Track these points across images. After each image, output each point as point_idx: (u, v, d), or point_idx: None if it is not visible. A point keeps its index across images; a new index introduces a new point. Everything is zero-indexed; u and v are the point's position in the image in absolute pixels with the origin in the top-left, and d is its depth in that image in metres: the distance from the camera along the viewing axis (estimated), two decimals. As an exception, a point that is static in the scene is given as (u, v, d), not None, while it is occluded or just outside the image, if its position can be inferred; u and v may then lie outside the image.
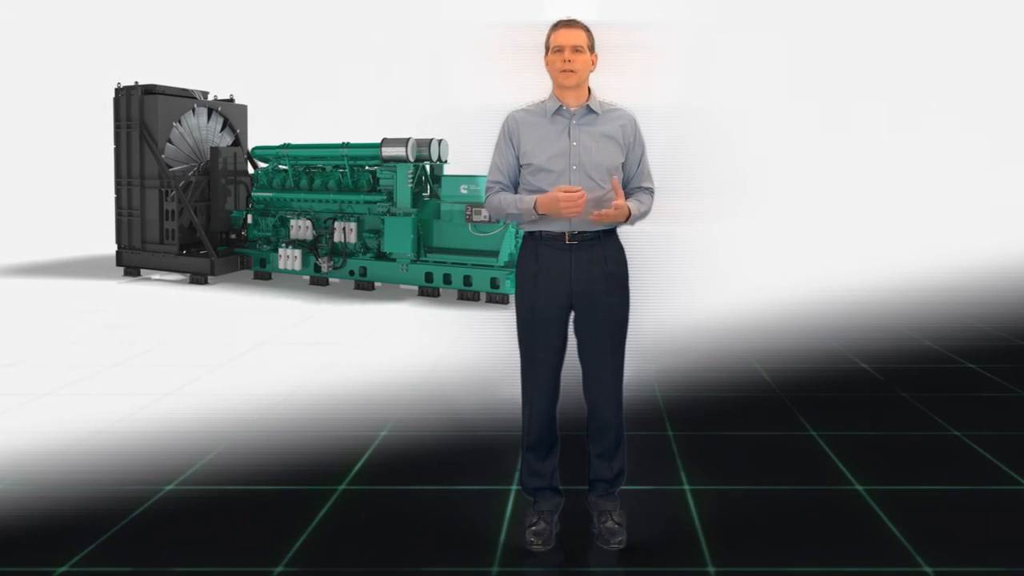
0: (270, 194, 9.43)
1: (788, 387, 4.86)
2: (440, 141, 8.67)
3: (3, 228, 12.88)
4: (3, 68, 14.80)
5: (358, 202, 8.82)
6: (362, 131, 9.20)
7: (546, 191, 2.80)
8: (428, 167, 8.73)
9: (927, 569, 2.74)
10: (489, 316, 7.27)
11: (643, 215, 2.92)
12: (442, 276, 8.19)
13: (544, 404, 2.93)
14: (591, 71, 2.86)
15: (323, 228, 8.99)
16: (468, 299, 8.02)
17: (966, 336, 6.30)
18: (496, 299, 7.84)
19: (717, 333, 6.36)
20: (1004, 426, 4.18)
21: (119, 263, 9.86)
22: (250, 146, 10.24)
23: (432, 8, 13.89)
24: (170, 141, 9.72)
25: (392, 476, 3.55)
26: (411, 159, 8.47)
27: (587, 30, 2.84)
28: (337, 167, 9.09)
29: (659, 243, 6.78)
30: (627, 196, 2.92)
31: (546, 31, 2.87)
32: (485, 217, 7.85)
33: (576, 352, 2.94)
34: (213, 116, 10.31)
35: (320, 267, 8.95)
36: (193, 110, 10.02)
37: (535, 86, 3.06)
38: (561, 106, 2.85)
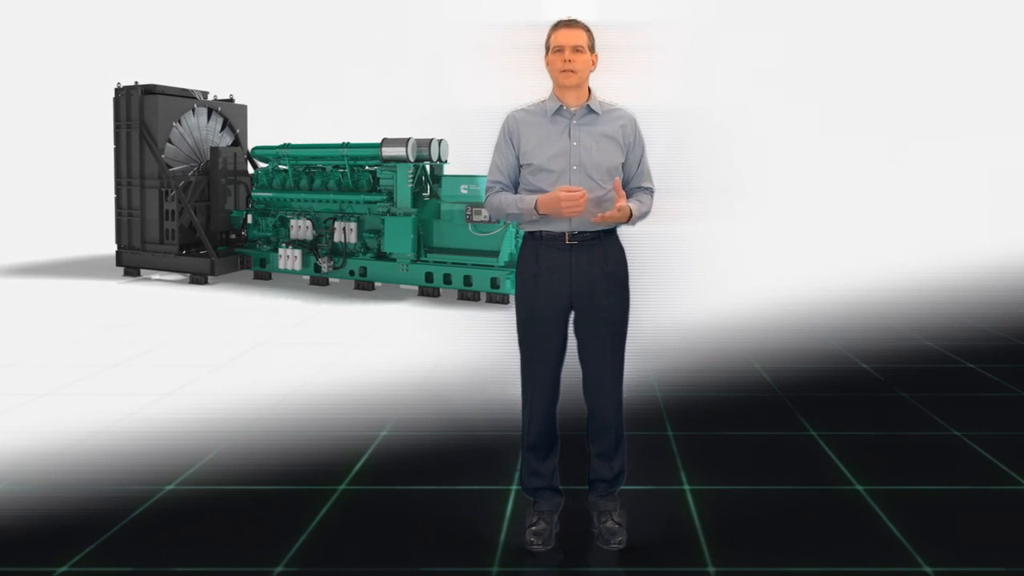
0: (270, 194, 9.43)
1: (788, 387, 4.86)
2: (440, 141, 8.67)
3: (3, 228, 12.87)
4: (3, 68, 14.80)
5: (358, 202, 8.82)
6: (362, 131, 9.20)
7: (546, 191, 2.80)
8: (428, 167, 8.73)
9: (927, 569, 2.74)
10: (489, 316, 7.27)
11: (644, 215, 2.93)
12: (442, 276, 8.19)
13: (544, 404, 2.93)
14: (591, 71, 2.86)
15: (323, 228, 8.99)
16: (468, 299, 8.02)
17: (966, 336, 6.30)
18: (496, 299, 7.84)
19: (717, 333, 6.36)
20: (1004, 426, 4.18)
21: (119, 263, 9.86)
22: (250, 146, 10.24)
23: (432, 8, 13.89)
24: (170, 141, 9.72)
25: (392, 476, 3.55)
26: (411, 159, 8.47)
27: (588, 30, 2.84)
28: (337, 167, 9.09)
29: (659, 243, 6.78)
30: (627, 196, 2.92)
31: (546, 31, 2.87)
32: (485, 217, 7.85)
33: (576, 352, 2.94)
34: (213, 116, 10.31)
35: (320, 267, 8.95)
36: (193, 110, 10.02)
37: (535, 86, 3.06)
38: (561, 106, 2.85)
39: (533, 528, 2.90)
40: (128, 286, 8.99)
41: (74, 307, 7.58)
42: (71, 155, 14.36)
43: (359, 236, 8.81)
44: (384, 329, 6.72)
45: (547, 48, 2.85)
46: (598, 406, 2.94)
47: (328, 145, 9.10)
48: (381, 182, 8.70)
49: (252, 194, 9.71)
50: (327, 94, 14.25)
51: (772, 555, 2.86)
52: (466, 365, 5.46)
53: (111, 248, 10.20)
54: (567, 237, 2.83)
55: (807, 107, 14.54)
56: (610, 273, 2.87)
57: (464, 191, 8.06)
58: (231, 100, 10.61)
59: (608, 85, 3.21)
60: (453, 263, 8.17)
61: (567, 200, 2.68)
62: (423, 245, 8.43)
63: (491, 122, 3.07)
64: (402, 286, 8.60)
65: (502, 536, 2.99)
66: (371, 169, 8.88)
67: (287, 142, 9.46)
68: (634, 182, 2.96)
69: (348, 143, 8.91)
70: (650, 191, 2.99)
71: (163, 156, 9.55)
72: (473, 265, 8.05)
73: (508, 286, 7.73)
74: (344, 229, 8.80)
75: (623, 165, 2.90)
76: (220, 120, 10.40)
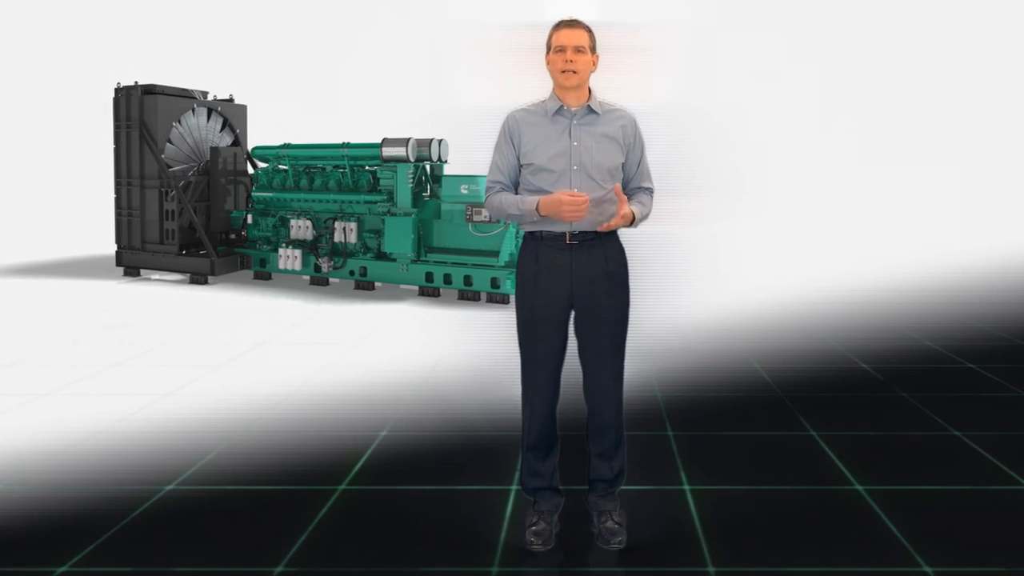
0: (270, 194, 9.43)
1: (788, 387, 4.86)
2: (440, 141, 8.67)
3: (3, 228, 12.87)
4: (3, 68, 14.80)
5: (358, 202, 8.82)
6: (362, 131, 9.20)
7: (547, 191, 2.81)
8: (428, 167, 8.73)
9: (927, 569, 2.74)
10: (489, 316, 7.27)
11: (646, 217, 2.93)
12: (442, 276, 8.20)
13: (544, 404, 2.93)
14: (592, 72, 2.86)
15: (323, 228, 9.00)
16: (468, 299, 8.02)
17: (966, 336, 6.30)
18: (496, 299, 7.84)
19: (717, 333, 6.36)
20: (1004, 426, 4.18)
21: (119, 263, 9.86)
22: (250, 146, 10.24)
23: (432, 8, 13.88)
24: (170, 141, 9.72)
25: (392, 476, 3.55)
26: (411, 159, 8.47)
27: (589, 31, 2.85)
28: (337, 167, 9.09)
29: (659, 243, 6.78)
30: (628, 197, 2.92)
31: (547, 31, 2.87)
32: (485, 217, 7.85)
33: (576, 352, 2.94)
34: (213, 116, 10.31)
35: (320, 267, 8.95)
36: (193, 110, 10.02)
37: (535, 86, 3.06)
38: (562, 106, 2.85)
39: (533, 528, 2.90)
40: (128, 286, 8.99)
41: (74, 307, 7.59)
42: (71, 155, 14.35)
43: (359, 236, 8.81)
44: (384, 329, 6.72)
45: (548, 48, 2.85)
46: (598, 406, 2.94)
47: (328, 145, 9.10)
48: (381, 182, 8.70)
49: (252, 194, 9.72)
50: (327, 94, 14.25)
51: (772, 555, 2.86)
52: (466, 365, 5.46)
53: (111, 248, 10.20)
54: (568, 237, 2.83)
55: (807, 107, 14.54)
56: (611, 273, 2.87)
57: (464, 191, 8.06)
58: (231, 100, 10.61)
59: (608, 85, 3.21)
60: (453, 263, 8.17)
61: (569, 204, 2.68)
62: (423, 245, 8.44)
63: (491, 122, 3.07)
64: (402, 286, 8.60)
65: (502, 536, 2.99)
66: (371, 169, 8.88)
67: (287, 142, 9.46)
68: (634, 182, 2.96)
69: (348, 143, 8.91)
70: (650, 191, 3.00)
71: (163, 156, 9.55)
72: (473, 265, 8.05)
73: (508, 286, 7.73)
74: (344, 229, 8.80)
75: (623, 165, 2.90)
76: (220, 120, 10.41)
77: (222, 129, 10.47)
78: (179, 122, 9.83)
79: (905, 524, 3.06)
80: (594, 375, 2.93)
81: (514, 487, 3.38)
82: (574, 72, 2.79)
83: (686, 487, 3.41)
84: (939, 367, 5.43)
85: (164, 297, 8.29)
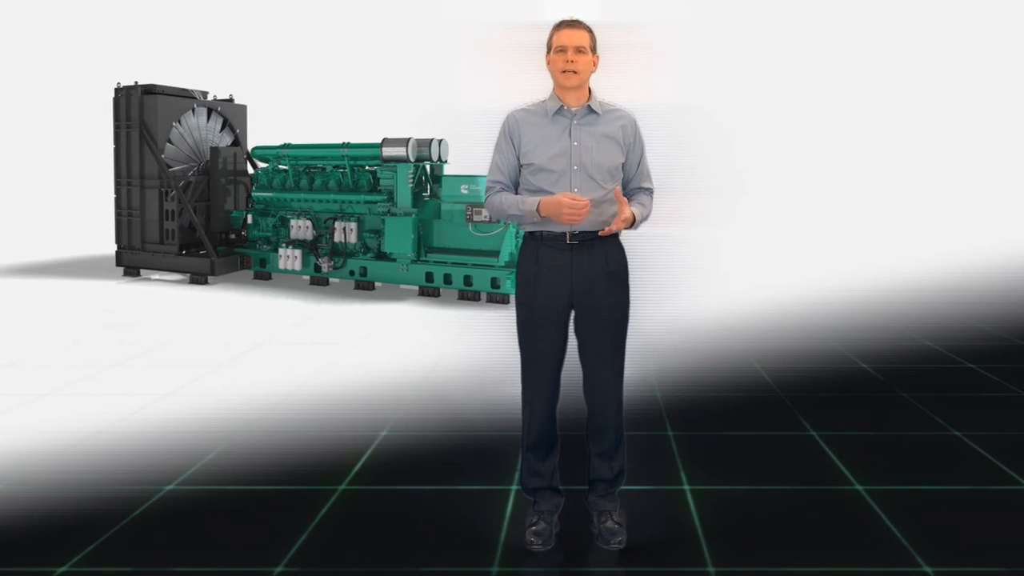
0: (270, 194, 9.43)
1: (788, 387, 4.86)
2: (440, 141, 8.67)
3: (3, 228, 12.87)
4: (3, 68, 14.80)
5: (358, 202, 8.82)
6: (362, 131, 9.20)
7: (547, 191, 2.81)
8: (428, 167, 8.73)
9: (927, 569, 2.74)
10: (489, 316, 7.28)
11: (646, 218, 2.93)
12: (442, 276, 8.19)
13: (544, 404, 2.93)
14: (592, 72, 2.86)
15: (323, 228, 9.00)
16: (468, 299, 8.02)
17: (966, 336, 6.30)
18: (496, 299, 7.84)
19: (717, 333, 6.36)
20: (1004, 426, 4.18)
21: (119, 263, 9.86)
22: (250, 146, 10.24)
23: (432, 8, 13.88)
24: (170, 141, 9.72)
25: (392, 476, 3.55)
26: (411, 159, 8.47)
27: (590, 31, 2.85)
28: (337, 167, 9.09)
29: (659, 243, 6.78)
30: (627, 197, 2.92)
31: (547, 31, 2.87)
32: (485, 217, 7.85)
33: (576, 352, 2.94)
34: (213, 116, 10.31)
35: (320, 267, 8.95)
36: (193, 110, 10.02)
37: (535, 86, 3.06)
38: (562, 106, 2.85)
39: (533, 528, 2.90)
40: (128, 286, 8.99)
41: (74, 307, 7.58)
42: (71, 155, 14.35)
43: (359, 236, 8.81)
44: (384, 329, 6.72)
45: (549, 47, 2.85)
46: (598, 406, 2.94)
47: (328, 145, 9.10)
48: (381, 182, 8.70)
49: (252, 194, 9.71)
50: (327, 94, 14.25)
51: (772, 555, 2.86)
52: (466, 365, 5.46)
53: (111, 248, 10.20)
54: (568, 237, 2.83)
55: (806, 107, 14.54)
56: (611, 273, 2.87)
57: (464, 191, 8.06)
58: (231, 100, 10.61)
59: (608, 85, 3.21)
60: (453, 263, 8.17)
61: (569, 208, 2.68)
62: (423, 245, 8.44)
63: (491, 122, 3.07)
64: (402, 286, 8.60)
65: (502, 536, 2.99)
66: (371, 169, 8.88)
67: (287, 142, 9.46)
68: (634, 182, 2.97)
69: (348, 143, 8.91)
70: (650, 191, 3.00)
71: (163, 156, 9.55)
72: (473, 265, 8.05)
73: (508, 286, 7.73)
74: (344, 229, 8.80)
75: (623, 165, 2.90)
76: (220, 120, 10.41)
77: (222, 129, 10.47)
78: (179, 122, 9.83)
79: (905, 524, 3.06)
80: (594, 375, 2.93)
81: (514, 487, 3.38)
82: (575, 72, 2.79)
83: (686, 487, 3.41)
84: (939, 367, 5.43)
85: (164, 297, 8.29)
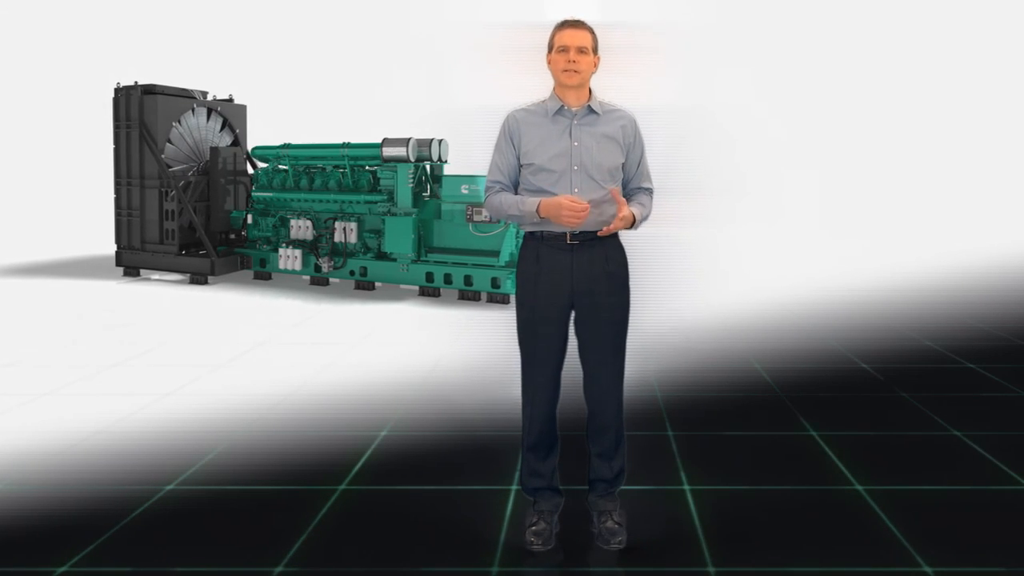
0: (270, 194, 9.43)
1: (788, 387, 4.86)
2: (440, 141, 8.67)
3: (3, 228, 12.87)
4: (3, 68, 14.80)
5: (358, 202, 8.82)
6: (362, 131, 9.20)
7: (547, 191, 2.81)
8: (428, 167, 8.73)
9: (927, 569, 2.74)
10: (490, 316, 7.27)
11: (646, 218, 2.94)
12: (443, 276, 8.20)
13: (544, 404, 2.93)
14: (593, 73, 2.87)
15: (323, 228, 9.00)
16: (469, 299, 8.02)
17: (966, 336, 6.30)
18: (497, 299, 7.84)
19: (717, 333, 6.36)
20: (1004, 426, 4.18)
21: (119, 263, 9.86)
22: (250, 146, 10.24)
23: (432, 8, 13.88)
24: (170, 141, 9.72)
25: (392, 476, 3.55)
26: (412, 159, 8.47)
27: (592, 32, 2.85)
28: (337, 167, 9.09)
29: (659, 243, 6.78)
30: (627, 197, 2.93)
31: (548, 31, 2.87)
32: (486, 217, 7.85)
33: (576, 352, 2.94)
34: (213, 116, 10.31)
35: (320, 267, 8.95)
36: (193, 110, 10.02)
37: (535, 86, 3.06)
38: (562, 106, 2.85)
39: (533, 528, 2.90)
40: (128, 286, 8.99)
41: (74, 307, 7.58)
42: (71, 155, 14.36)
43: (359, 236, 8.81)
44: (384, 329, 6.72)
45: (551, 47, 2.85)
46: (598, 406, 2.94)
47: (328, 145, 9.10)
48: (381, 182, 8.70)
49: (252, 194, 9.71)
50: (327, 94, 14.25)
51: (772, 555, 2.86)
52: (466, 365, 5.46)
53: (111, 248, 10.20)
54: (568, 237, 2.83)
55: (807, 107, 14.54)
56: (611, 273, 2.87)
57: (465, 191, 8.06)
58: (231, 100, 10.61)
59: (609, 85, 3.21)
60: (454, 263, 8.17)
61: (568, 210, 2.69)
62: (423, 245, 8.44)
63: (491, 122, 3.07)
64: (402, 286, 8.60)
65: (502, 536, 2.99)
66: (371, 169, 8.88)
67: (287, 142, 9.46)
68: (634, 182, 2.97)
69: (348, 143, 8.91)
70: (650, 192, 3.00)
71: (163, 156, 9.55)
72: (474, 265, 8.05)
73: (509, 286, 7.73)
74: (344, 229, 8.80)
75: (623, 165, 2.90)
76: (220, 120, 10.41)
77: (222, 129, 10.47)
78: (179, 122, 9.83)
79: (905, 524, 3.06)
80: (594, 375, 2.93)
81: (514, 487, 3.38)
82: (576, 72, 2.79)
83: (686, 487, 3.41)
84: (939, 367, 5.43)
85: (164, 297, 8.29)
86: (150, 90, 9.64)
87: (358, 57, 14.37)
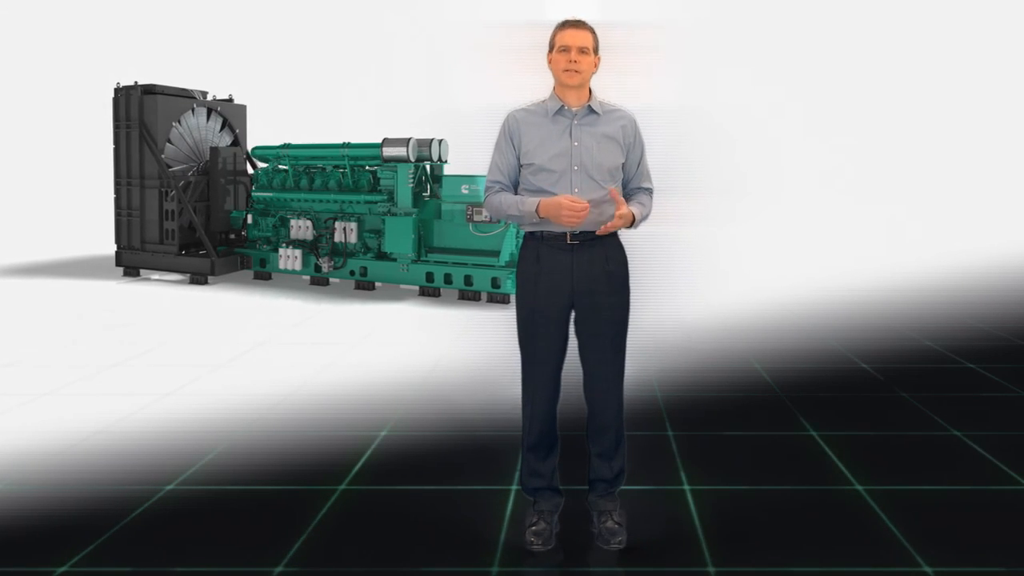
0: (270, 194, 9.43)
1: (788, 387, 4.86)
2: (440, 141, 8.67)
3: (3, 228, 12.87)
4: (3, 68, 14.80)
5: (359, 202, 8.82)
6: (362, 131, 9.21)
7: (547, 191, 2.81)
8: (429, 167, 8.73)
9: (927, 569, 2.74)
10: (490, 316, 7.27)
11: (646, 218, 2.93)
12: (443, 276, 8.19)
13: (545, 404, 2.93)
14: (594, 73, 2.87)
15: (323, 228, 9.00)
16: (469, 299, 8.02)
17: (966, 336, 6.30)
18: (497, 299, 7.84)
19: (717, 333, 6.36)
20: (1004, 426, 4.18)
21: (119, 263, 9.86)
22: (250, 146, 10.24)
23: (432, 8, 13.89)
24: (170, 141, 9.72)
25: (392, 476, 3.55)
26: (412, 159, 8.47)
27: (594, 32, 2.85)
28: (337, 167, 9.09)
29: (660, 243, 6.78)
30: (627, 197, 2.93)
31: (549, 30, 2.87)
32: (486, 217, 7.85)
33: (576, 352, 2.94)
34: (212, 116, 10.31)
35: (320, 267, 8.95)
36: (192, 110, 10.02)
37: (535, 86, 3.06)
38: (563, 106, 2.85)
39: (533, 528, 2.90)
40: (128, 286, 8.99)
41: (74, 307, 7.58)
42: (71, 155, 14.36)
43: (359, 236, 8.81)
44: (384, 329, 6.72)
45: (551, 47, 2.85)
46: (598, 406, 2.94)
47: (328, 145, 9.10)
48: (382, 182, 8.70)
49: (252, 194, 9.71)
50: (327, 94, 14.25)
51: (772, 555, 2.86)
52: (466, 365, 5.46)
53: (111, 248, 10.20)
54: (568, 237, 2.83)
55: (807, 107, 14.54)
56: (611, 272, 2.87)
57: (465, 191, 8.06)
58: (231, 100, 10.61)
59: (609, 84, 3.21)
60: (454, 263, 8.17)
61: (568, 211, 2.69)
62: (424, 245, 8.44)
63: (491, 122, 3.07)
64: (402, 286, 8.60)
65: (502, 536, 2.99)
66: (371, 169, 8.88)
67: (287, 142, 9.46)
68: (634, 182, 2.97)
69: (348, 143, 8.91)
70: (650, 191, 3.00)
71: (163, 156, 9.55)
72: (474, 265, 8.05)
73: (509, 286, 7.73)
74: (344, 229, 8.80)
75: (623, 165, 2.90)
76: (220, 120, 10.40)
77: (222, 129, 10.47)
78: (179, 122, 9.83)
79: (905, 524, 3.06)
80: (594, 375, 2.93)
81: (514, 487, 3.38)
82: (577, 72, 2.79)
83: (686, 487, 3.41)
84: (939, 367, 5.43)
85: (164, 297, 8.29)
86: (150, 90, 9.64)
87: (358, 57, 14.37)
